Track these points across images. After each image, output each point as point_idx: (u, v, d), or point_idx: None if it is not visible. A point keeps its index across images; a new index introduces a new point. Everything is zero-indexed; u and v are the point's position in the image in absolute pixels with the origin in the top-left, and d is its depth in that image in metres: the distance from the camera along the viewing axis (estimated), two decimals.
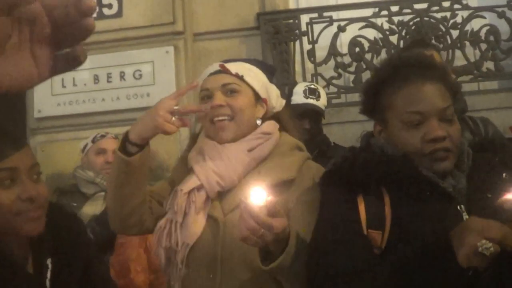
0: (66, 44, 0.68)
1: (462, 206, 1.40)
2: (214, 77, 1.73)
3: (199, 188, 1.62)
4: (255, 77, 1.75)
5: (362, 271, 1.34)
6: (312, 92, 3.08)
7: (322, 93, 3.15)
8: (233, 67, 1.73)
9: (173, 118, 1.51)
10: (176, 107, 1.52)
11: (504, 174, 1.44)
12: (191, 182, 1.64)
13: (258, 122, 1.74)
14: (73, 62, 0.69)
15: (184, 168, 1.76)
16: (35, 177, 1.45)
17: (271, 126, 1.75)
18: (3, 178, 1.39)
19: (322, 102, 3.09)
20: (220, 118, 1.67)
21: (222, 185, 1.63)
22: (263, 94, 1.75)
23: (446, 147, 1.41)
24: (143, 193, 1.65)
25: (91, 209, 2.75)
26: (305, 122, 2.97)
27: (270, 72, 1.84)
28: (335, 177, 1.51)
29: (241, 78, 1.71)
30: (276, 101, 1.80)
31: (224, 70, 1.72)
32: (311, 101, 3.04)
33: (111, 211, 1.68)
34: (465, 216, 1.38)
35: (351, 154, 1.54)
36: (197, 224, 1.60)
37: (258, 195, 1.33)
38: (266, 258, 1.42)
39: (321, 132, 3.15)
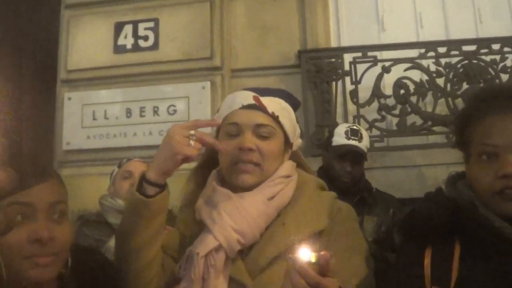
0: None
1: None
2: (246, 112, 1.53)
3: (217, 248, 1.40)
4: (289, 117, 1.58)
5: None
6: (354, 133, 2.92)
7: (365, 134, 2.99)
8: (269, 103, 1.54)
9: (191, 141, 1.36)
10: (192, 132, 1.37)
11: None
12: (208, 243, 1.41)
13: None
14: None
15: (191, 217, 1.56)
16: (55, 217, 1.24)
17: (290, 167, 1.57)
18: (13, 213, 1.18)
19: (364, 144, 2.92)
20: (247, 163, 1.48)
21: (243, 243, 1.41)
22: (292, 138, 1.59)
23: None
24: (159, 243, 1.45)
25: None
26: (346, 164, 2.83)
27: (296, 106, 1.65)
28: (405, 229, 1.41)
29: (276, 118, 1.53)
30: (297, 142, 1.64)
31: (259, 106, 1.53)
32: (352, 142, 2.88)
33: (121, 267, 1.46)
34: None
35: (418, 204, 1.42)
36: None
37: (307, 250, 1.12)
38: None
39: (363, 176, 2.98)
